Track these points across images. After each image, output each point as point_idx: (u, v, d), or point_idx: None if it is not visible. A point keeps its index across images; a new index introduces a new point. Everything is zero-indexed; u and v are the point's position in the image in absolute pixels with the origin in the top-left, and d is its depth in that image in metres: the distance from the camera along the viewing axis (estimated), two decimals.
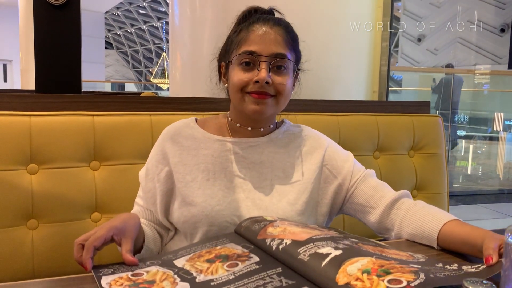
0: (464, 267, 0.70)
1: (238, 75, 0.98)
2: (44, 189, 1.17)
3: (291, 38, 1.02)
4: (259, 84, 0.96)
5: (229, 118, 1.08)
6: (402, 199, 1.02)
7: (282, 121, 1.15)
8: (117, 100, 1.33)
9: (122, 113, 1.29)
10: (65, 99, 1.28)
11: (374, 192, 1.04)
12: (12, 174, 1.15)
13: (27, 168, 1.17)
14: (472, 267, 0.71)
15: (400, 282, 0.60)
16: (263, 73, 0.96)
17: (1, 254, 1.13)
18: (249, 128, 1.06)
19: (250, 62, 0.98)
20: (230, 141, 1.05)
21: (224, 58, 1.06)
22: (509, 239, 0.54)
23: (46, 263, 1.17)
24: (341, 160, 1.09)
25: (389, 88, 2.23)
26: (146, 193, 1.06)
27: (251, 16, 1.05)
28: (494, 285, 0.50)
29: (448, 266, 0.71)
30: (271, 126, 1.10)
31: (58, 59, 1.49)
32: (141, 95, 2.78)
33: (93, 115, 1.25)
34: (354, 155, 1.12)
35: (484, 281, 0.50)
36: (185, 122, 1.10)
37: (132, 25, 20.83)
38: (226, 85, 1.06)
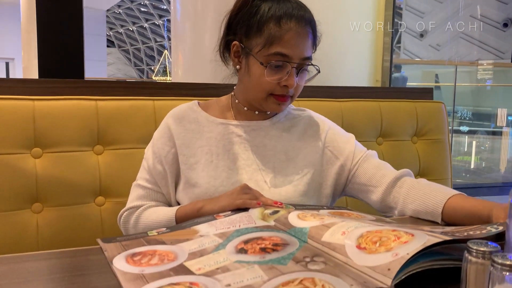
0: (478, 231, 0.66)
1: (267, 77, 0.96)
2: (48, 173, 1.17)
3: (315, 36, 1.01)
4: (287, 89, 0.97)
5: (236, 100, 1.08)
6: (404, 177, 1.02)
7: None
8: (120, 85, 1.33)
9: (125, 97, 1.29)
10: (68, 84, 1.28)
11: (376, 171, 1.04)
12: (16, 158, 1.15)
13: (31, 152, 1.18)
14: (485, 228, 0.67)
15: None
16: (292, 78, 0.96)
17: (6, 237, 1.13)
18: (256, 112, 1.06)
19: (281, 65, 0.96)
20: (233, 124, 1.06)
21: (241, 38, 1.00)
22: None
23: (50, 246, 1.17)
24: (343, 141, 1.09)
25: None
26: (156, 176, 1.04)
27: None
28: (498, 246, 0.50)
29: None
30: None
31: (61, 44, 1.49)
32: None
33: (96, 99, 1.25)
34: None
35: (489, 242, 0.50)
36: (188, 106, 1.10)
37: (134, 23, 20.82)
38: (238, 66, 1.04)
